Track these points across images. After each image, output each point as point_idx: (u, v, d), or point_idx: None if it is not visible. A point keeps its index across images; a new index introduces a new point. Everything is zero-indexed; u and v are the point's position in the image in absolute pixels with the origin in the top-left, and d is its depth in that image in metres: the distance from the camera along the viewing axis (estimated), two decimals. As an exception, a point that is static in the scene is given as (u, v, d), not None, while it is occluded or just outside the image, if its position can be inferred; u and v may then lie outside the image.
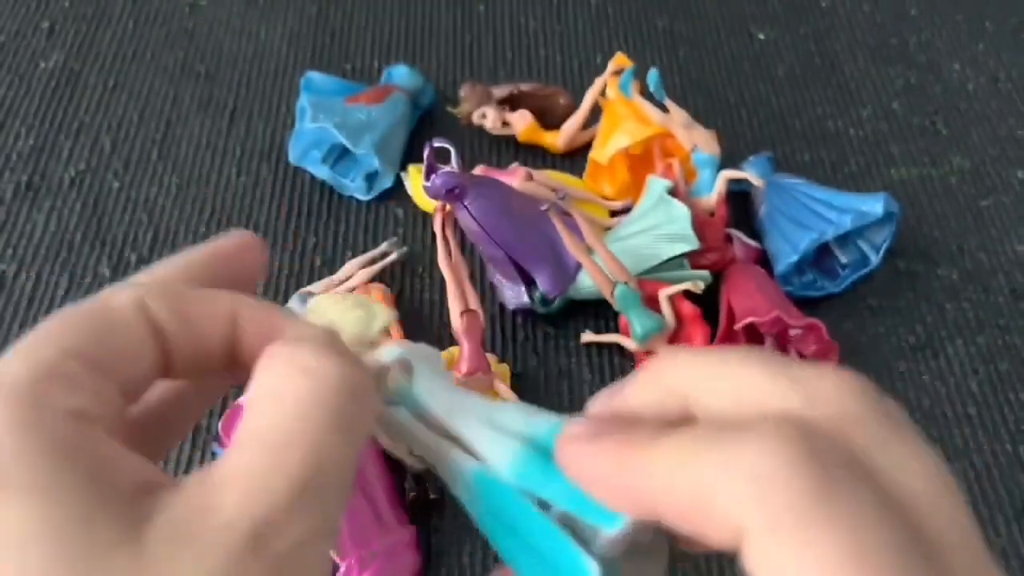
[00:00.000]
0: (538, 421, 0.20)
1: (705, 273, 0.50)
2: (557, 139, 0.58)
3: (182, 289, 0.18)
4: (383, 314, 0.21)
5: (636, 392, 0.18)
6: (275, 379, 0.17)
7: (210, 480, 0.15)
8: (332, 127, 0.55)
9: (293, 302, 0.49)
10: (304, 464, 0.15)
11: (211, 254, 0.20)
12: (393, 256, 0.53)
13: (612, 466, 0.17)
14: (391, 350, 0.21)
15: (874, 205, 0.50)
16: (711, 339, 0.48)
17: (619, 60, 0.57)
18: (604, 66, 0.58)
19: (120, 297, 0.17)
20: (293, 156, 0.57)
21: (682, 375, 0.18)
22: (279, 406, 0.16)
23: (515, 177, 0.52)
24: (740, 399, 0.17)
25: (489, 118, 0.58)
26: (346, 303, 0.21)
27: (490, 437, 0.20)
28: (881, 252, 0.53)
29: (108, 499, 0.15)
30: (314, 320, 0.21)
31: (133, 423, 0.19)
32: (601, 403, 0.19)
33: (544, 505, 0.19)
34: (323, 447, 0.16)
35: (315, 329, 0.19)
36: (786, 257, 0.51)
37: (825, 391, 0.16)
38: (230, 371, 0.19)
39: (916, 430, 0.16)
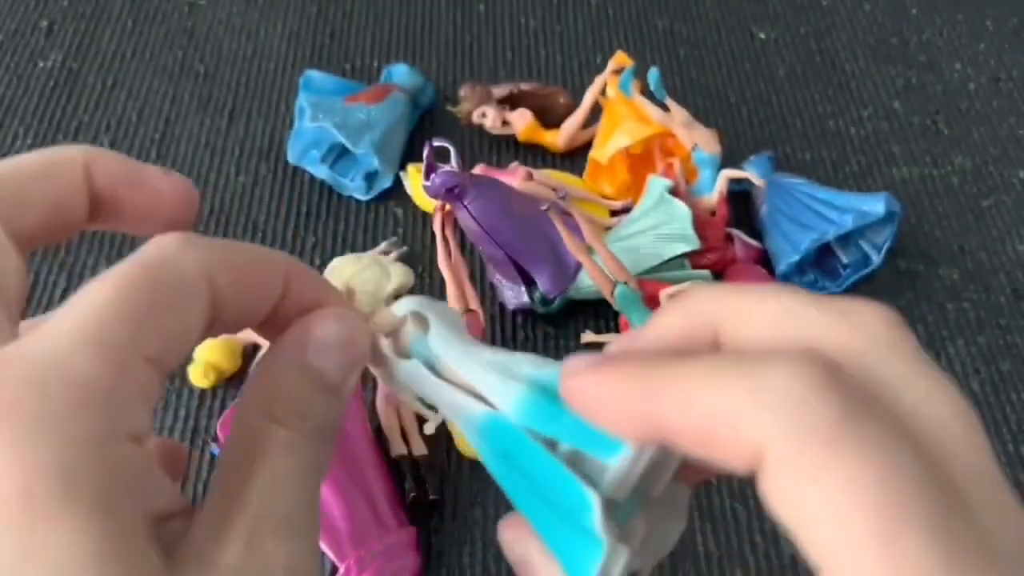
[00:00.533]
0: (549, 366, 0.20)
1: (706, 273, 0.50)
2: (557, 138, 0.58)
3: (243, 250, 0.17)
4: (399, 274, 0.21)
5: (661, 321, 0.18)
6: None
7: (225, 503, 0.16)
8: (331, 126, 0.55)
9: None
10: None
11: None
12: (393, 256, 0.53)
13: (621, 391, 0.16)
14: (407, 303, 0.21)
15: (875, 205, 0.50)
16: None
17: (619, 59, 0.57)
18: (604, 66, 0.58)
19: (189, 264, 0.16)
20: (292, 156, 0.57)
21: (714, 304, 0.17)
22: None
23: (515, 177, 0.52)
24: (775, 327, 0.16)
25: (489, 117, 0.58)
26: (361, 263, 0.21)
27: (499, 381, 0.20)
28: (882, 252, 0.52)
29: (148, 526, 0.14)
30: (331, 279, 0.21)
31: None
32: (619, 343, 0.19)
33: (551, 444, 0.18)
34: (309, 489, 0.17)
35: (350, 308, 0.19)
36: (787, 257, 0.51)
37: (861, 318, 0.16)
38: (262, 328, 0.19)
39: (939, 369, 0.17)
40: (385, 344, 0.21)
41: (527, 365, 0.20)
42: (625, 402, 0.16)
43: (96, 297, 0.15)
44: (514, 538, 0.20)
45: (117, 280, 0.15)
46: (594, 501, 0.17)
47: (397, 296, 0.21)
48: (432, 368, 0.21)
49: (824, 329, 0.16)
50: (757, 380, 0.15)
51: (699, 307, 0.17)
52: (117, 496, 0.14)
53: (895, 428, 0.14)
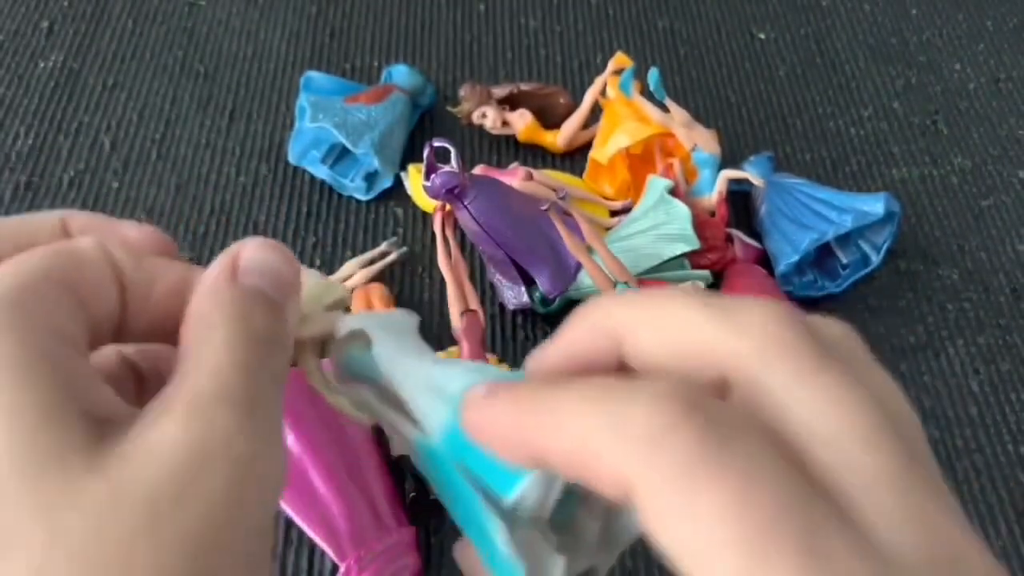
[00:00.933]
0: (476, 380, 0.19)
1: (706, 273, 0.50)
2: (557, 139, 0.58)
3: (139, 249, 0.19)
4: (337, 290, 0.21)
5: (567, 335, 0.18)
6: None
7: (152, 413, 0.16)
8: (332, 127, 0.55)
9: None
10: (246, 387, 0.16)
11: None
12: (392, 256, 0.53)
13: (506, 419, 0.16)
14: (350, 321, 0.21)
15: (875, 205, 0.50)
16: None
17: (619, 59, 0.57)
18: (604, 66, 0.58)
19: (83, 240, 0.18)
20: (292, 156, 0.57)
21: (617, 315, 0.17)
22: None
23: (515, 177, 0.52)
24: (673, 338, 0.16)
25: (489, 118, 0.58)
26: (307, 274, 0.21)
27: (428, 404, 0.20)
28: (882, 252, 0.52)
29: (76, 419, 0.15)
30: None
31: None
32: (533, 359, 0.19)
33: (466, 470, 0.18)
34: (254, 373, 0.17)
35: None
36: (787, 257, 0.51)
37: (751, 319, 0.16)
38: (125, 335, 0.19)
39: (855, 358, 0.16)
40: (321, 367, 0.21)
41: (459, 380, 0.19)
42: (510, 430, 0.16)
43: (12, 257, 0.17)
44: (463, 556, 0.20)
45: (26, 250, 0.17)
46: (498, 529, 0.17)
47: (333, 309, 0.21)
48: (376, 388, 0.21)
49: (715, 335, 0.16)
50: (620, 410, 0.15)
51: (603, 319, 0.17)
52: (37, 382, 0.15)
53: (761, 450, 0.14)
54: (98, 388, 0.16)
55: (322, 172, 0.57)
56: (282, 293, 0.19)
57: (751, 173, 0.54)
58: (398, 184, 0.57)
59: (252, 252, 0.19)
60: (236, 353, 0.17)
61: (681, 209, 0.50)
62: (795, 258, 0.50)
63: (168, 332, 0.18)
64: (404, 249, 0.54)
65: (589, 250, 0.48)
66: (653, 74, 0.53)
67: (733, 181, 0.53)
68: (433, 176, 0.44)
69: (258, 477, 0.16)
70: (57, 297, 0.16)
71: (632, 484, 0.14)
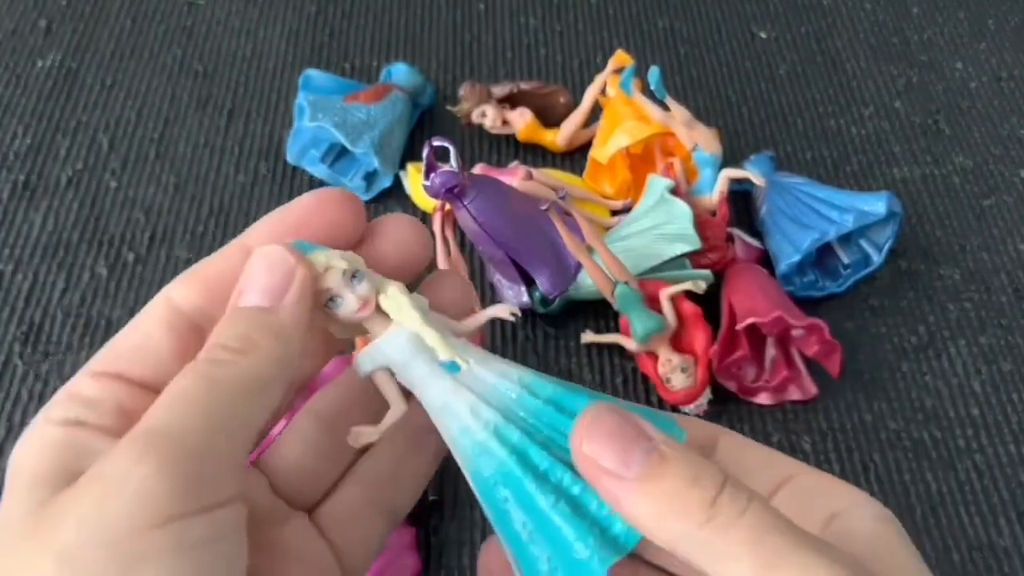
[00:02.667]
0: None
1: (707, 272, 0.49)
2: (557, 138, 0.58)
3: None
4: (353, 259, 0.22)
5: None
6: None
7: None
8: (331, 126, 0.55)
9: None
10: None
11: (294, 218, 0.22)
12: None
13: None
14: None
15: (876, 204, 0.50)
16: (712, 339, 0.47)
17: (619, 58, 0.56)
18: (604, 65, 0.58)
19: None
20: (291, 155, 0.57)
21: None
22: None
23: (515, 176, 0.52)
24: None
25: (489, 117, 0.58)
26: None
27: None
28: (883, 252, 0.52)
29: (57, 478, 0.18)
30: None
31: None
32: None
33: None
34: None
35: None
36: (788, 257, 0.50)
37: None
38: None
39: None
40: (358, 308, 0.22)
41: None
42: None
43: None
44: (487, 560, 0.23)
45: None
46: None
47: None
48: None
49: None
50: None
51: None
52: (33, 459, 0.19)
53: None
54: (97, 448, 0.19)
55: (321, 171, 0.57)
56: (274, 298, 0.20)
57: (752, 172, 0.53)
58: (398, 184, 0.57)
59: (248, 267, 0.20)
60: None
61: (682, 209, 0.50)
62: (796, 258, 0.50)
63: None
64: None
65: (589, 250, 0.48)
66: (654, 73, 0.52)
67: (734, 180, 0.53)
68: (433, 175, 0.44)
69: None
70: (81, 395, 0.19)
71: None
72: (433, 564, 0.44)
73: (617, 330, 0.50)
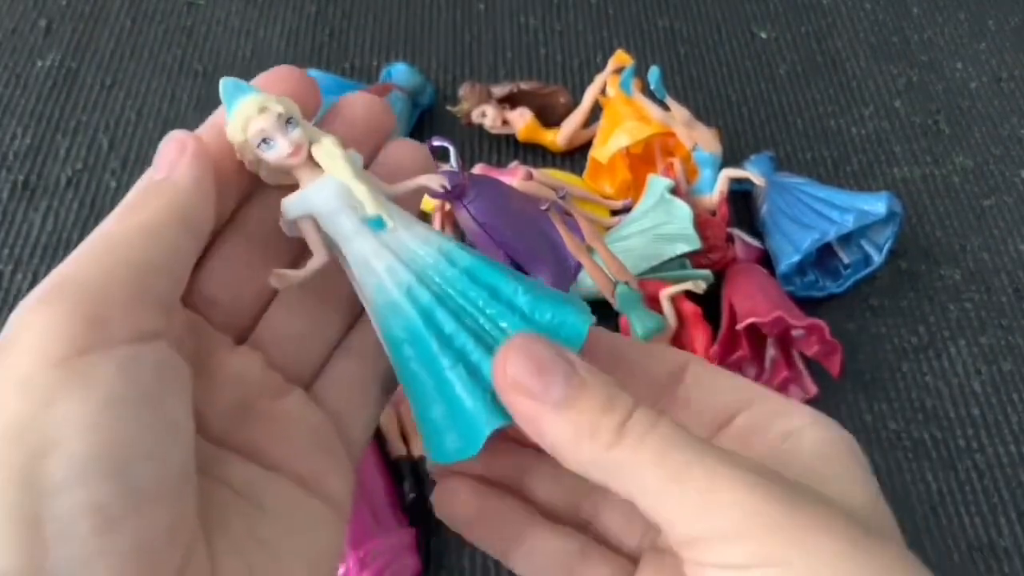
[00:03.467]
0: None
1: (707, 272, 0.49)
2: (557, 138, 0.58)
3: None
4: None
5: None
6: None
7: None
8: (331, 126, 0.55)
9: None
10: None
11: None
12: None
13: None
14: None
15: (876, 204, 0.50)
16: (713, 339, 0.47)
17: (619, 58, 0.56)
18: (604, 65, 0.58)
19: None
20: (292, 155, 0.57)
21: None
22: None
23: (515, 176, 0.52)
24: None
25: (489, 117, 0.58)
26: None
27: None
28: (884, 252, 0.52)
29: None
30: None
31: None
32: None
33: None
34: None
35: None
36: (788, 257, 0.50)
37: None
38: None
39: None
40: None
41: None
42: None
43: None
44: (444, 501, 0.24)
45: None
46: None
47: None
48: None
49: None
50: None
51: None
52: None
53: None
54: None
55: (321, 171, 0.57)
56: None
57: (752, 172, 0.53)
58: (397, 183, 0.57)
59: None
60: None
61: (682, 209, 0.49)
62: (796, 258, 0.50)
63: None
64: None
65: (589, 250, 0.48)
66: (654, 73, 0.52)
67: (734, 180, 0.53)
68: (433, 175, 0.44)
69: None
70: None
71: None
72: (433, 564, 0.44)
73: (617, 330, 0.50)
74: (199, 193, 0.21)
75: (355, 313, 0.24)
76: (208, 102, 0.62)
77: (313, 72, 0.60)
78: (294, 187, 0.23)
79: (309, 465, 0.22)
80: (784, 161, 0.59)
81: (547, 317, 0.21)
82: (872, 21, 0.69)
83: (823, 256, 0.53)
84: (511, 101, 0.59)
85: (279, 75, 0.23)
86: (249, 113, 0.22)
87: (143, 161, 0.58)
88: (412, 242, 0.22)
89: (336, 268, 0.23)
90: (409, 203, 0.24)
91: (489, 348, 0.21)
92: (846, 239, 0.53)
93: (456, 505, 0.24)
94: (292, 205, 0.22)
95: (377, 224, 0.22)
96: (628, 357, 0.23)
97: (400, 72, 0.61)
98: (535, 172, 0.53)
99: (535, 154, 0.59)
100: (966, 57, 0.66)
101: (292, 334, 0.23)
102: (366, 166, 0.24)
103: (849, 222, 0.50)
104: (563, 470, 0.20)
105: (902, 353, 0.51)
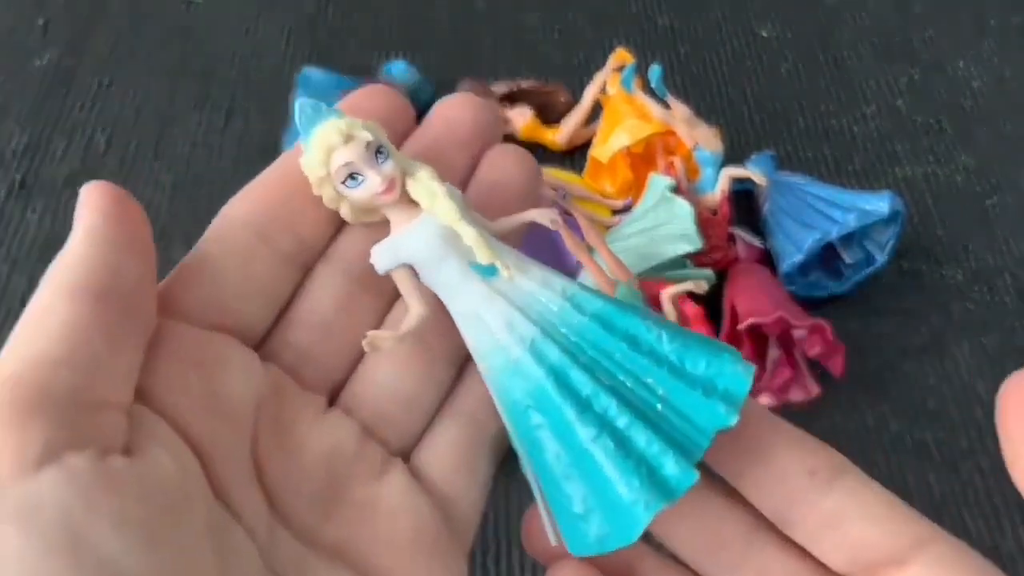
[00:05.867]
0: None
1: (709, 272, 0.49)
2: (557, 137, 0.58)
3: None
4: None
5: None
6: None
7: None
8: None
9: None
10: None
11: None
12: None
13: None
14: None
15: (879, 204, 0.50)
16: (714, 340, 0.47)
17: (620, 56, 0.56)
18: (605, 63, 0.57)
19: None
20: (290, 154, 0.57)
21: None
22: None
23: (515, 175, 0.52)
24: None
25: (489, 116, 0.58)
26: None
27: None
28: (886, 252, 0.52)
29: None
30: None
31: None
32: None
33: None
34: None
35: None
36: (790, 257, 0.50)
37: None
38: None
39: None
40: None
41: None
42: None
43: None
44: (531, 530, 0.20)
45: None
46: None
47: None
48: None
49: None
50: None
51: None
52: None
53: None
54: None
55: (320, 171, 0.56)
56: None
57: (754, 171, 0.53)
58: (397, 183, 0.56)
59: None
60: None
61: (683, 208, 0.49)
62: (798, 257, 0.50)
63: None
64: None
65: (590, 249, 0.47)
66: (655, 71, 0.52)
67: (736, 179, 0.53)
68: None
69: None
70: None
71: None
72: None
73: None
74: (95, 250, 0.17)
75: (462, 364, 0.21)
76: (207, 101, 0.61)
77: (312, 71, 0.60)
78: (380, 226, 0.19)
79: (414, 570, 0.18)
80: (786, 160, 0.59)
81: (701, 367, 0.18)
82: (874, 20, 0.69)
83: (825, 256, 0.53)
84: (511, 100, 0.59)
85: (367, 94, 0.20)
86: (332, 142, 0.18)
87: (141, 160, 0.58)
88: (530, 286, 0.19)
89: (442, 310, 0.19)
90: (515, 240, 0.21)
91: (638, 412, 0.17)
92: (848, 239, 0.52)
93: None
94: (384, 253, 0.19)
95: (489, 271, 0.19)
96: (771, 440, 0.19)
97: (399, 70, 0.60)
98: (535, 171, 0.53)
99: (535, 153, 0.58)
100: (969, 56, 0.66)
101: (397, 393, 0.20)
102: (465, 180, 0.21)
103: (851, 222, 0.49)
104: (676, 564, 0.18)
105: (904, 354, 0.51)
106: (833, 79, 0.64)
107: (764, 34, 0.68)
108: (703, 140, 0.53)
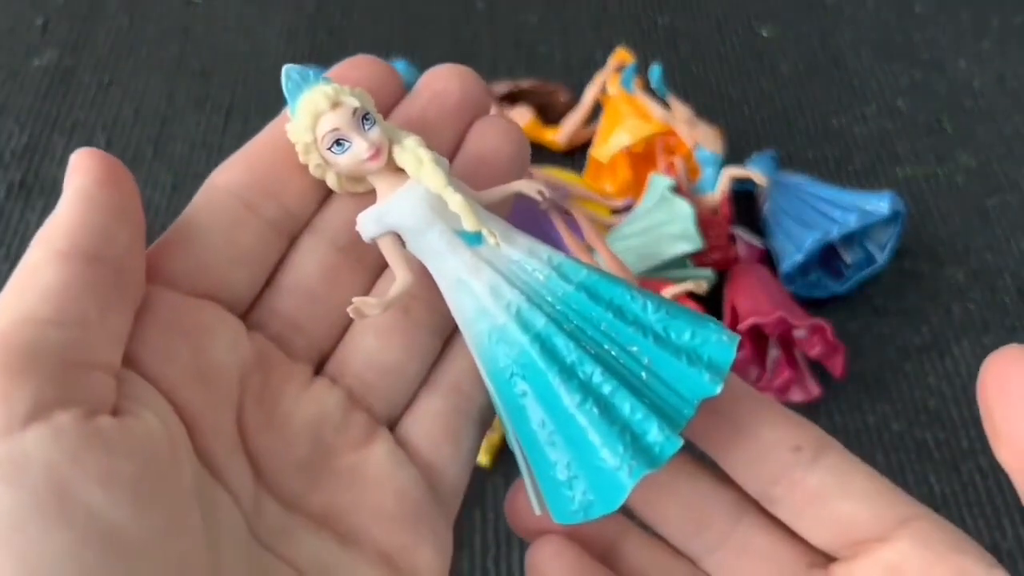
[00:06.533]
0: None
1: (709, 272, 0.49)
2: (557, 136, 0.58)
3: None
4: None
5: None
6: None
7: None
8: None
9: None
10: None
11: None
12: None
13: None
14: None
15: (880, 204, 0.50)
16: (714, 340, 0.47)
17: (620, 56, 0.56)
18: (605, 63, 0.57)
19: None
20: (290, 154, 0.57)
21: None
22: None
23: (515, 175, 0.52)
24: None
25: (489, 115, 0.58)
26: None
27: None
28: (887, 251, 0.52)
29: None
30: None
31: None
32: None
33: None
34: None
35: None
36: (790, 256, 0.50)
37: None
38: None
39: None
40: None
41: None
42: None
43: None
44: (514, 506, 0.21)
45: None
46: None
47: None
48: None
49: None
50: None
51: None
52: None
53: None
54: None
55: (320, 170, 0.56)
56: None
57: (754, 171, 0.53)
58: (397, 183, 0.56)
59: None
60: None
61: (684, 208, 0.49)
62: (799, 257, 0.50)
63: None
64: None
65: (590, 249, 0.47)
66: (655, 71, 0.52)
67: (736, 179, 0.53)
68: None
69: None
70: None
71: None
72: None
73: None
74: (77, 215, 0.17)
75: (449, 334, 0.21)
76: (206, 101, 0.61)
77: (313, 71, 0.59)
78: (366, 196, 0.19)
79: (399, 538, 0.18)
80: (786, 160, 0.59)
81: (685, 337, 0.18)
82: (875, 19, 0.69)
83: (825, 256, 0.53)
84: (511, 99, 0.59)
85: (354, 64, 0.21)
86: (319, 108, 0.19)
87: (141, 160, 0.58)
88: (516, 254, 0.19)
89: (428, 281, 0.19)
90: (502, 211, 0.21)
91: (623, 379, 0.17)
92: (849, 239, 0.52)
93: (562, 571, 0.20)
94: (371, 220, 0.19)
95: (475, 239, 0.19)
96: (756, 416, 0.19)
97: (399, 70, 0.60)
98: (535, 171, 0.52)
99: (535, 153, 0.58)
100: (969, 55, 0.66)
101: (383, 362, 0.20)
102: (452, 152, 0.21)
103: (852, 222, 0.49)
104: (659, 542, 0.18)
105: (905, 353, 0.51)
106: (833, 79, 0.64)
107: (765, 34, 0.67)
108: (703, 140, 0.53)
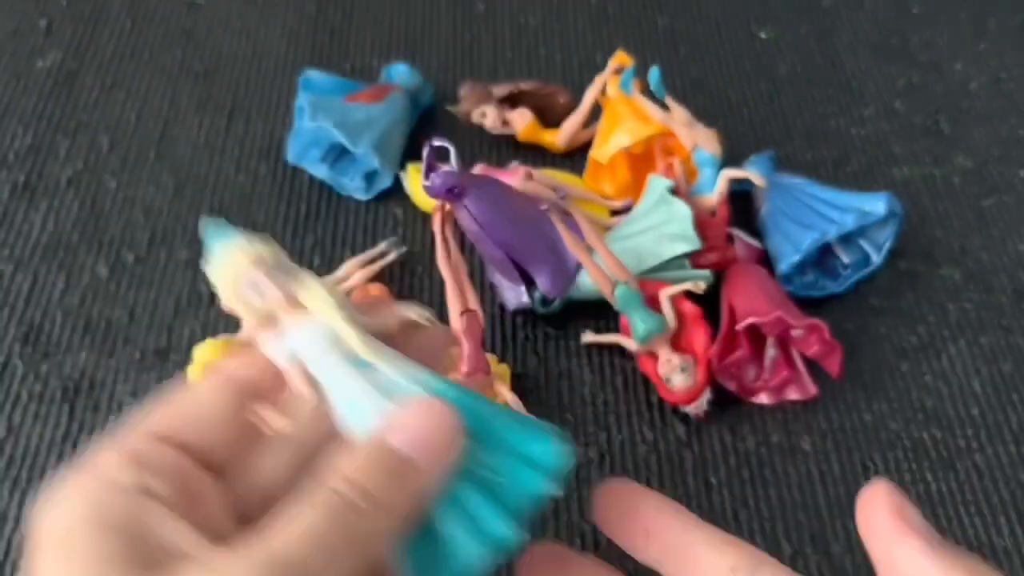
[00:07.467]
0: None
1: (707, 272, 0.49)
2: (557, 138, 0.58)
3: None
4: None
5: None
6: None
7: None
8: (331, 126, 0.55)
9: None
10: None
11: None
12: (392, 256, 0.53)
13: None
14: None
15: (877, 205, 0.50)
16: (713, 339, 0.47)
17: (619, 58, 0.56)
18: (604, 65, 0.58)
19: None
20: (291, 155, 0.57)
21: None
22: None
23: (515, 176, 0.52)
24: None
25: (489, 117, 0.58)
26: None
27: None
28: (883, 252, 0.52)
29: (132, 561, 0.17)
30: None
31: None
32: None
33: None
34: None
35: None
36: (788, 257, 0.50)
37: None
38: None
39: None
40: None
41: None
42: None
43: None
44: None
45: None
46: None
47: None
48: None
49: None
50: None
51: None
52: (96, 537, 0.17)
53: None
54: (168, 529, 0.18)
55: (321, 171, 0.57)
56: (427, 459, 0.20)
57: (752, 173, 0.53)
58: (397, 184, 0.57)
59: (405, 420, 0.21)
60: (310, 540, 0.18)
61: (682, 209, 0.50)
62: (796, 258, 0.50)
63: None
64: (403, 249, 0.54)
65: (589, 250, 0.48)
66: (654, 73, 0.52)
67: (734, 181, 0.53)
68: (432, 175, 0.44)
69: None
70: (150, 461, 0.19)
71: None
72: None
73: (617, 330, 0.50)
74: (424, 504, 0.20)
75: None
76: (208, 103, 0.62)
77: (313, 72, 0.60)
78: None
79: None
80: (784, 162, 0.59)
81: (527, 445, 0.22)
82: (872, 21, 0.69)
83: (823, 256, 0.53)
84: (511, 101, 0.59)
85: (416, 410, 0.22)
86: (235, 258, 0.22)
87: (143, 161, 0.58)
88: (401, 381, 0.22)
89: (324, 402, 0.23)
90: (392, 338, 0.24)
91: (491, 493, 0.21)
92: (846, 239, 0.53)
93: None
94: (275, 348, 0.22)
95: (363, 364, 0.22)
96: (696, 536, 0.22)
97: (400, 72, 0.61)
98: (535, 172, 0.53)
99: (535, 154, 0.59)
100: (966, 57, 0.66)
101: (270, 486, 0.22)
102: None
103: (849, 222, 0.50)
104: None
105: (902, 353, 0.51)
106: (831, 81, 0.65)
107: (763, 36, 0.68)
108: (702, 141, 0.53)
